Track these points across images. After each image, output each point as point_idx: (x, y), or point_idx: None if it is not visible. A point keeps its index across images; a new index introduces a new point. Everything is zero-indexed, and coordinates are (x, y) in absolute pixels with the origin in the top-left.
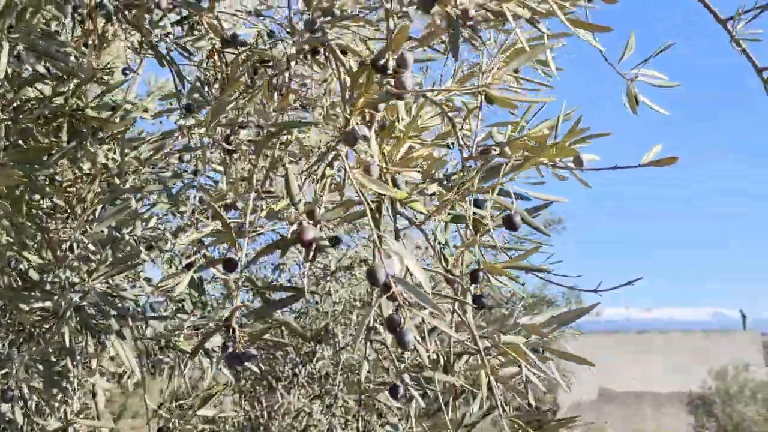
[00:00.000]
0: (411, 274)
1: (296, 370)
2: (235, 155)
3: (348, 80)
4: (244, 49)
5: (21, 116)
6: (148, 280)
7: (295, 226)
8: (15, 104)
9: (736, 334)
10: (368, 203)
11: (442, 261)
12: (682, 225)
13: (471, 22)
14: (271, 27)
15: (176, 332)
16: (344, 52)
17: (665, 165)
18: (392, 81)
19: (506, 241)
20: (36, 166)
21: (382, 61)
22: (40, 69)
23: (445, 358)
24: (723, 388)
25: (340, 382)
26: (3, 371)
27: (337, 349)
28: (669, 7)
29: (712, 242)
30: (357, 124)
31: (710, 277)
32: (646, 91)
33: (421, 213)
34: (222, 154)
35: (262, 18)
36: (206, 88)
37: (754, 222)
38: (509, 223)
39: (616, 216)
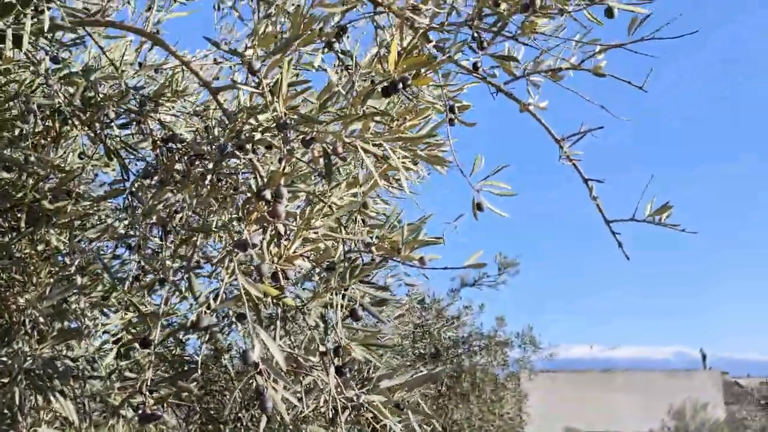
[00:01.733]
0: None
1: (240, 414)
2: (171, 237)
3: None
4: (181, 144)
5: None
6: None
7: (194, 316)
8: None
9: (697, 374)
10: (246, 301)
11: (317, 339)
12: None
13: (341, 154)
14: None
15: (109, 391)
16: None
17: (478, 268)
18: (269, 209)
19: (366, 324)
20: None
21: (264, 193)
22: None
23: (333, 411)
24: (682, 427)
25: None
26: None
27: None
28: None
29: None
30: (250, 233)
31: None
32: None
33: (290, 306)
34: (159, 237)
35: (200, 117)
36: (148, 179)
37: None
38: (353, 315)
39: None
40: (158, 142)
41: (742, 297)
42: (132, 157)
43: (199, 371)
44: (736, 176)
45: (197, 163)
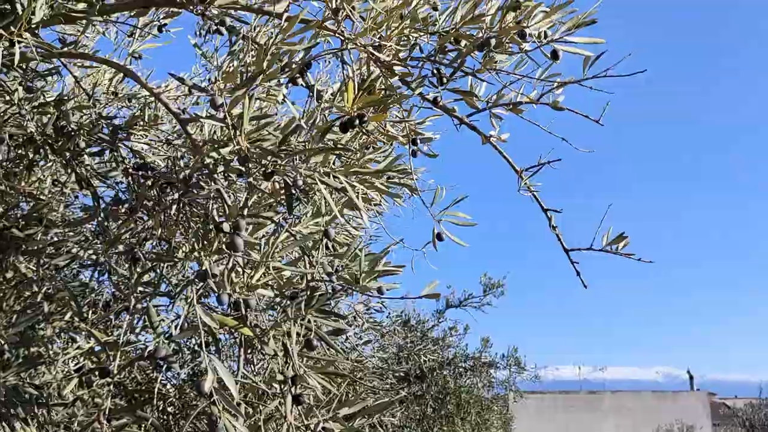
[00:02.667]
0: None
1: None
2: (139, 264)
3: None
4: (152, 173)
5: None
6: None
7: (152, 345)
8: None
9: (684, 395)
10: (209, 330)
11: (274, 367)
12: (637, 282)
13: (300, 187)
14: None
15: (72, 419)
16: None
17: (434, 298)
18: (227, 241)
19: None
20: None
21: (223, 225)
22: None
23: None
24: None
25: None
26: None
27: None
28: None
29: (664, 302)
30: (210, 263)
31: (661, 337)
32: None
33: (249, 335)
34: (127, 264)
35: (171, 146)
36: (119, 206)
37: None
38: (308, 344)
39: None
40: (130, 170)
41: (729, 317)
42: (103, 185)
43: (177, 389)
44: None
45: (168, 191)
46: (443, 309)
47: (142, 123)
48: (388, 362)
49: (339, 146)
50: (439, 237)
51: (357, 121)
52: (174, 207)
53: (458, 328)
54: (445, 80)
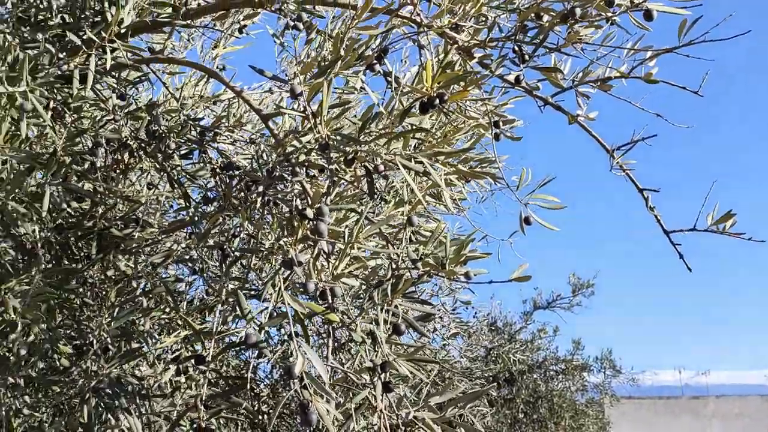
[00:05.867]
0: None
1: None
2: (229, 259)
3: (285, 222)
4: (238, 171)
5: (61, 235)
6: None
7: (244, 333)
8: (56, 225)
9: None
10: (292, 317)
11: (364, 353)
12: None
13: (382, 172)
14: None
15: (172, 408)
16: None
17: (524, 281)
18: (311, 227)
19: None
20: (69, 277)
21: (306, 212)
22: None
23: (385, 430)
24: None
25: None
26: None
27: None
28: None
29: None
30: (296, 252)
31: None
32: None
33: (334, 321)
34: (218, 259)
35: (255, 144)
36: (208, 205)
37: None
38: (396, 330)
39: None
40: (217, 169)
41: None
42: (193, 185)
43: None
44: None
45: (253, 188)
46: (531, 311)
47: (226, 124)
48: (476, 364)
49: (418, 128)
50: (527, 221)
51: (437, 101)
52: (259, 203)
53: (547, 330)
54: (527, 58)
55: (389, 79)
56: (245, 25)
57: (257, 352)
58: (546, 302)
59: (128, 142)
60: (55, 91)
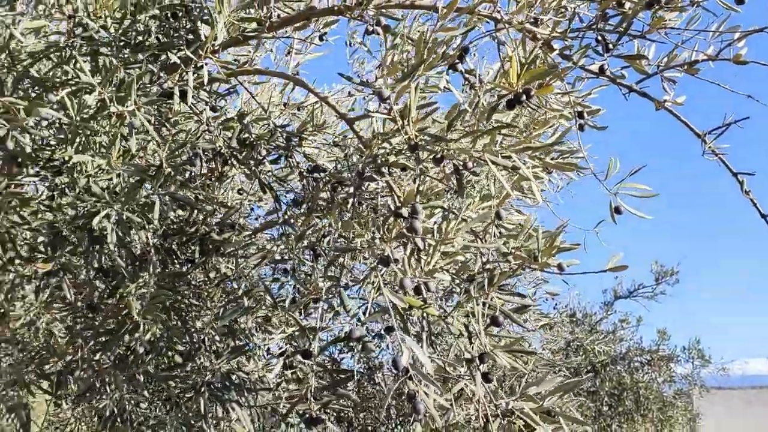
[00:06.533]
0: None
1: (395, 430)
2: (321, 259)
3: (381, 221)
4: (324, 174)
5: (166, 240)
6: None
7: (347, 327)
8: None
9: None
10: (393, 312)
11: (460, 346)
12: None
13: (471, 169)
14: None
15: (278, 400)
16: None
17: (620, 271)
18: (406, 225)
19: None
20: (177, 280)
21: (401, 211)
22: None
23: (484, 419)
24: None
25: None
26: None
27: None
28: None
29: None
30: (392, 250)
31: None
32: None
33: (433, 315)
34: (311, 258)
35: (339, 147)
36: (298, 207)
37: None
38: (494, 322)
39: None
40: (304, 173)
41: None
42: (282, 189)
43: (355, 382)
44: None
45: (339, 189)
46: (611, 301)
47: (311, 128)
48: (558, 356)
49: (505, 124)
50: (618, 210)
51: (523, 97)
52: (350, 201)
53: (630, 320)
54: (611, 47)
55: (470, 77)
56: (325, 33)
57: (362, 345)
58: (627, 292)
59: (222, 151)
60: (155, 106)
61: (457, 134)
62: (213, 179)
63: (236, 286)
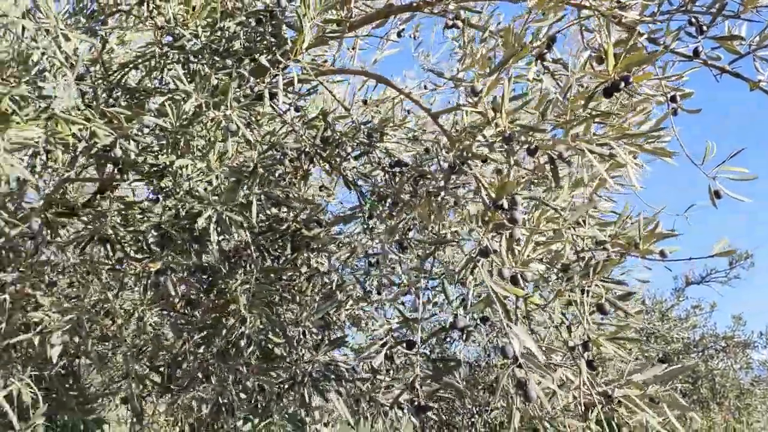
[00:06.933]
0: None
1: (473, 420)
2: (407, 252)
3: (481, 212)
4: (406, 168)
5: (260, 237)
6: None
7: (451, 317)
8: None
9: None
10: (499, 300)
11: (561, 334)
12: None
13: (566, 159)
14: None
15: (376, 390)
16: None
17: (727, 255)
18: (507, 216)
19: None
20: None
21: (500, 203)
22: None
23: (582, 407)
24: None
25: (515, 429)
26: (267, 420)
27: (510, 400)
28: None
29: None
30: (489, 240)
31: None
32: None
33: (537, 304)
34: (397, 252)
35: (419, 141)
36: (382, 202)
37: None
38: (600, 309)
39: None
40: (386, 168)
41: None
42: (366, 184)
43: (462, 368)
44: None
45: (421, 182)
46: (682, 287)
47: (391, 124)
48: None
49: (602, 112)
50: (717, 194)
51: (621, 84)
52: (440, 195)
53: (703, 306)
54: (704, 29)
55: (559, 65)
56: (402, 29)
57: (466, 334)
58: (699, 277)
59: (307, 149)
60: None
61: (548, 124)
62: (298, 178)
63: (327, 281)
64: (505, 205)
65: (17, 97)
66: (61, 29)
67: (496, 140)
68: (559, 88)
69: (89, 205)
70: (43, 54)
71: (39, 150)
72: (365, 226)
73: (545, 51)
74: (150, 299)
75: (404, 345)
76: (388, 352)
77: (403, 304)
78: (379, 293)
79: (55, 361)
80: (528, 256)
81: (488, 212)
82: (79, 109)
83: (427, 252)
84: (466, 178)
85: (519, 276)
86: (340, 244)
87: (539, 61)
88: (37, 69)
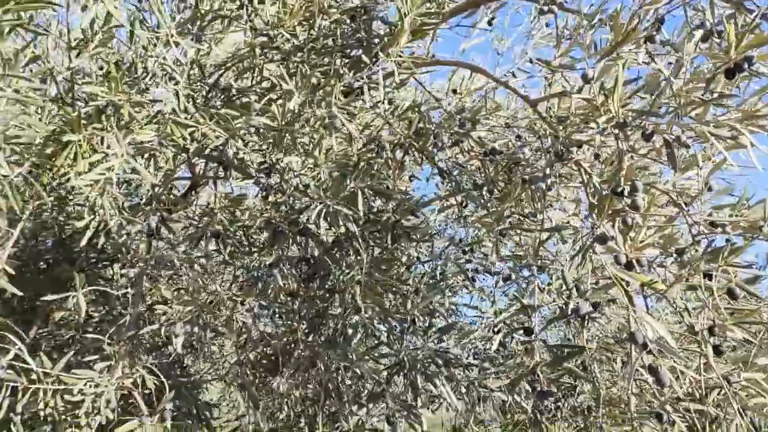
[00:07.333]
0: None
1: (559, 404)
2: (504, 238)
3: (596, 198)
4: (499, 156)
5: (362, 229)
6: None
7: (572, 303)
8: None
9: None
10: (623, 287)
11: (685, 320)
12: None
13: (683, 142)
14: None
15: (484, 376)
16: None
17: None
18: (628, 202)
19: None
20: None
21: (620, 189)
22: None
23: (701, 391)
24: None
25: (603, 414)
26: (380, 406)
27: (596, 384)
28: None
29: None
30: (604, 227)
31: None
32: None
33: (660, 291)
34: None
35: (514, 129)
36: (478, 191)
37: None
38: (730, 294)
39: None
40: (480, 156)
41: None
42: (461, 174)
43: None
44: None
45: (514, 170)
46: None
47: (485, 112)
48: None
49: (723, 94)
50: None
51: (745, 65)
52: (548, 181)
53: None
54: None
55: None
56: (493, 17)
57: (589, 320)
58: None
59: (402, 140)
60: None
61: (663, 108)
62: (394, 169)
63: (428, 269)
64: (626, 192)
65: (133, 104)
66: (173, 37)
67: (608, 126)
68: (671, 71)
69: (184, 201)
70: (155, 62)
71: (154, 152)
72: (459, 215)
73: (654, 33)
74: (260, 291)
75: (522, 331)
76: (501, 339)
77: (504, 293)
78: (473, 281)
79: (179, 350)
80: (643, 241)
81: (602, 199)
82: (187, 112)
83: (542, 240)
84: (566, 166)
85: (634, 261)
86: (438, 234)
87: (650, 43)
88: (150, 75)
